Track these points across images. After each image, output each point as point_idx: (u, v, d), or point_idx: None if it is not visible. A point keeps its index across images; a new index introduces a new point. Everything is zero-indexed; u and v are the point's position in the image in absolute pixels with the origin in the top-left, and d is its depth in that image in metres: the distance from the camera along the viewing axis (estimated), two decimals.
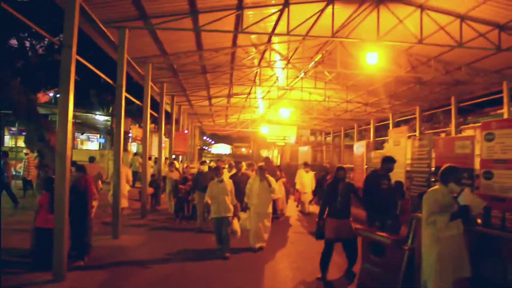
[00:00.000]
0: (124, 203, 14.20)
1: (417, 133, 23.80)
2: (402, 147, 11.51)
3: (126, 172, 15.20)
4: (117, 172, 11.03)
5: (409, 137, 14.32)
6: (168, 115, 27.07)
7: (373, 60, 12.87)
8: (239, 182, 11.24)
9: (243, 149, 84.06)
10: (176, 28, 12.04)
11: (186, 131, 39.77)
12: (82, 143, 39.11)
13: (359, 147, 14.31)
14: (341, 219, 8.01)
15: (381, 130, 32.20)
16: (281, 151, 33.38)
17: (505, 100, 16.66)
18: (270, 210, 10.70)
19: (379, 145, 24.08)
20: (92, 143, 39.92)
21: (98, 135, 38.60)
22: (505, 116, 16.37)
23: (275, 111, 30.30)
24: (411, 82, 19.71)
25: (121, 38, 11.33)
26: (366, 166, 13.93)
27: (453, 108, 20.14)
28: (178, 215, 14.41)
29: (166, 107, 24.37)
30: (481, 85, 17.94)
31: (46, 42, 27.39)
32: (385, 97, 23.03)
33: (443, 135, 27.49)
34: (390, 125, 27.17)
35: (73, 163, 9.62)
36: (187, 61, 16.32)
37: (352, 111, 27.50)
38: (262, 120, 35.80)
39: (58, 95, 45.10)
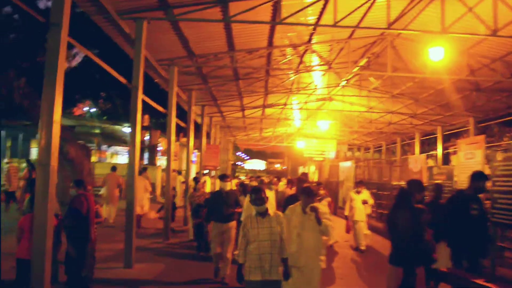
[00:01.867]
0: (139, 210, 14.63)
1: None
2: (477, 161, 9.39)
3: (144, 183, 15.88)
4: (131, 189, 9.24)
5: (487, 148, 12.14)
6: (199, 127, 25.51)
7: (438, 55, 10.92)
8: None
9: (277, 165, 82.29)
10: (202, 19, 10.31)
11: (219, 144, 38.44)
12: (111, 157, 37.92)
13: (416, 162, 12.17)
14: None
15: (425, 145, 29.82)
16: (318, 167, 31.35)
17: None
18: (320, 265, 6.32)
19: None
20: (122, 157, 38.70)
21: (128, 148, 37.33)
22: None
23: (313, 124, 28.39)
24: (466, 89, 17.51)
25: (138, 31, 9.67)
26: (426, 184, 11.76)
27: None
28: (198, 246, 11.51)
29: (196, 118, 22.78)
30: None
31: None
32: (434, 107, 20.86)
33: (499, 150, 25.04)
34: (439, 139, 24.88)
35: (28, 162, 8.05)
36: (218, 64, 14.58)
37: (396, 124, 25.31)
38: (298, 134, 33.96)
39: (92, 109, 44.64)
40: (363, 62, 16.35)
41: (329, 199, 12.32)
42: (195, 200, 11.79)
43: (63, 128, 18.71)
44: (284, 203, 8.22)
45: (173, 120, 13.45)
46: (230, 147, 42.69)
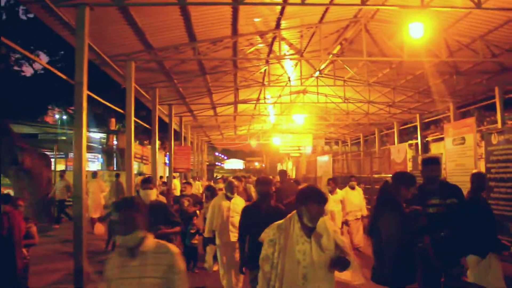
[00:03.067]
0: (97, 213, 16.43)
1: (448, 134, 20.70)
2: (468, 146, 8.37)
3: (99, 185, 17.43)
4: (78, 201, 7.99)
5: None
6: (167, 129, 24.27)
7: (418, 32, 9.95)
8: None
9: (256, 163, 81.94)
10: (153, 2, 9.17)
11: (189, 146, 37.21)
12: None
13: (399, 152, 11.09)
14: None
15: (403, 135, 29.02)
16: (296, 163, 30.38)
17: None
18: None
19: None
20: (93, 163, 37.17)
21: (100, 155, 35.85)
22: None
23: (288, 119, 27.41)
24: (446, 73, 16.65)
25: (80, 19, 8.42)
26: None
27: (497, 101, 16.89)
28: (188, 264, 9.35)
29: (165, 119, 21.56)
30: None
31: None
32: (413, 94, 20.01)
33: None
34: (418, 128, 24.09)
35: None
36: (180, 57, 13.40)
37: (374, 114, 24.42)
38: (274, 130, 32.97)
39: (64, 117, 42.85)
40: (336, 49, 15.35)
41: None
42: None
43: (18, 136, 17.47)
44: (242, 214, 6.15)
45: (132, 120, 12.24)
46: (204, 148, 41.52)
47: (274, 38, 13.57)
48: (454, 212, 5.16)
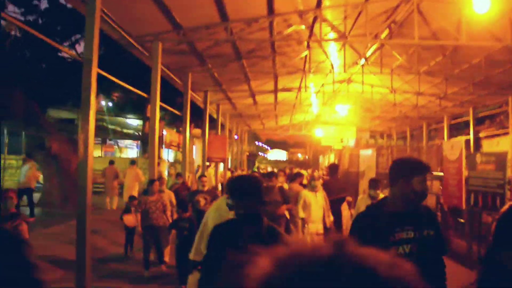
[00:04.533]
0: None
1: (509, 130, 18.95)
2: None
3: (136, 172, 17.77)
4: (82, 191, 7.07)
5: None
6: (212, 118, 23.42)
7: (483, 5, 8.59)
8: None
9: (299, 155, 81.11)
10: None
11: (236, 137, 36.35)
12: (121, 151, 36.11)
13: (452, 148, 9.72)
14: None
15: (452, 130, 27.11)
16: (338, 155, 29.03)
17: None
18: None
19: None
20: (132, 150, 36.90)
21: (138, 142, 35.52)
22: None
23: (331, 110, 26.05)
24: (507, 62, 15.01)
25: None
26: (466, 176, 9.33)
27: None
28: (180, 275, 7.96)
29: (202, 106, 20.69)
30: None
31: None
32: (467, 86, 18.34)
33: None
34: (471, 122, 22.35)
35: None
36: (212, 38, 12.38)
37: (423, 107, 22.81)
38: (317, 121, 31.65)
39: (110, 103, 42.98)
40: (384, 33, 13.96)
41: (349, 198, 10.10)
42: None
43: (46, 121, 16.98)
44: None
45: (157, 105, 11.32)
46: (245, 137, 40.63)
47: (315, 19, 12.32)
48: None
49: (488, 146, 22.20)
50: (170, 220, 8.64)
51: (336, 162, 28.52)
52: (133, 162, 18.61)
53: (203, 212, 7.73)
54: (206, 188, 8.30)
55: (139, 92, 13.19)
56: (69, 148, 16.49)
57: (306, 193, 8.08)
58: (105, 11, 9.72)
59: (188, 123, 15.25)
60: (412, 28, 12.82)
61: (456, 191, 9.36)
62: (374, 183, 7.10)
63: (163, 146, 24.00)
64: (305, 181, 11.82)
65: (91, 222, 6.93)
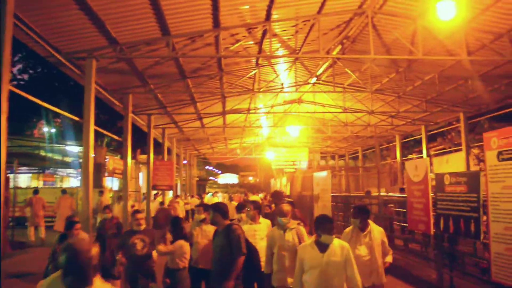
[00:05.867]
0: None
1: (463, 147, 18.67)
2: None
3: (70, 202, 16.20)
4: None
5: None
6: (158, 143, 22.12)
7: (448, 12, 7.96)
8: None
9: (250, 178, 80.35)
10: None
11: (184, 162, 35.00)
12: (62, 180, 34.03)
13: (417, 168, 8.87)
14: None
15: (403, 149, 26.83)
16: (290, 178, 28.20)
17: None
18: None
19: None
20: (75, 179, 34.85)
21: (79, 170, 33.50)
22: None
23: (282, 132, 25.32)
24: (459, 78, 14.71)
25: None
26: (433, 199, 8.49)
27: None
28: None
29: (143, 128, 19.42)
30: None
31: None
32: (420, 103, 18.00)
33: None
34: (423, 140, 22.06)
35: None
36: (153, 55, 11.33)
37: (375, 126, 22.39)
38: (268, 144, 30.85)
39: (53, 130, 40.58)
40: (336, 50, 13.31)
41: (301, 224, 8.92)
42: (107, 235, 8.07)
43: None
44: None
45: (90, 129, 10.10)
46: (194, 162, 39.38)
47: (264, 34, 11.48)
48: None
49: (438, 163, 21.95)
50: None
51: (288, 185, 27.69)
52: (64, 191, 17.13)
53: (141, 258, 6.39)
54: (142, 227, 6.59)
55: (71, 116, 11.90)
56: None
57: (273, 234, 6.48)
58: (26, 22, 8.53)
59: (129, 148, 14.02)
60: (365, 43, 12.27)
61: (423, 215, 8.58)
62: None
63: (106, 174, 22.42)
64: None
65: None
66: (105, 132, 15.57)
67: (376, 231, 5.84)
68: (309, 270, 4.74)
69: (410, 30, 11.28)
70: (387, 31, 11.56)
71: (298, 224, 6.09)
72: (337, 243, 4.82)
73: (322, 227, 4.73)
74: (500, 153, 6.40)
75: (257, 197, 19.23)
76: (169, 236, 6.79)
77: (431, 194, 8.53)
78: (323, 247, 4.72)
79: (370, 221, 5.91)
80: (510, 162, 6.20)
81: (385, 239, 5.93)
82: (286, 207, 5.94)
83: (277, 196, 9.46)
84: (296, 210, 9.80)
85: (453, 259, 8.68)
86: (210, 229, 6.92)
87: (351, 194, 16.88)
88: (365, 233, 5.77)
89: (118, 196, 21.15)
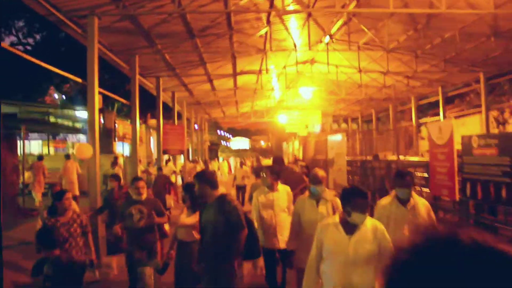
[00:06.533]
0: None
1: (482, 109, 17.97)
2: None
3: (76, 166, 15.64)
4: None
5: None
6: (167, 106, 21.64)
7: None
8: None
9: (262, 142, 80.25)
10: None
11: (196, 126, 34.60)
12: (73, 146, 33.78)
13: (441, 130, 8.26)
14: None
15: (418, 111, 26.08)
16: (303, 142, 27.71)
17: None
18: None
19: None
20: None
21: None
22: None
23: (294, 93, 24.63)
24: (481, 35, 13.91)
25: None
26: (460, 162, 7.85)
27: None
28: None
29: (152, 92, 18.92)
30: None
31: None
32: (438, 62, 17.21)
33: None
34: (440, 102, 21.33)
35: None
36: (158, 11, 10.71)
37: (390, 87, 21.63)
38: (280, 107, 30.22)
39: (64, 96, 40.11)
40: (352, 5, 12.53)
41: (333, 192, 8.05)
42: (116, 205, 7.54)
43: None
44: None
45: (95, 91, 9.60)
46: (205, 126, 38.95)
47: None
48: None
49: (454, 127, 21.27)
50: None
51: (301, 149, 27.23)
52: (68, 156, 16.50)
53: (138, 231, 5.93)
54: (143, 197, 6.06)
55: (75, 78, 11.41)
56: (2, 147, 14.50)
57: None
58: None
59: (137, 112, 13.58)
60: None
61: (447, 180, 8.04)
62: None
63: (116, 139, 22.07)
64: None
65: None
66: (111, 94, 15.09)
67: (421, 204, 4.77)
68: (329, 257, 3.74)
69: None
70: None
71: (335, 196, 5.19)
72: (369, 223, 3.79)
73: (353, 202, 3.69)
74: None
75: (270, 162, 18.77)
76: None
77: (456, 158, 7.99)
78: (350, 227, 3.72)
79: (413, 192, 4.84)
80: None
81: (433, 215, 4.87)
82: (321, 172, 5.25)
83: (278, 162, 8.89)
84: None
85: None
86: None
87: (368, 158, 16.27)
88: (408, 207, 4.67)
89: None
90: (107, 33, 11.50)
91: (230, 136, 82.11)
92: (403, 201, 4.67)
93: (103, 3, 9.79)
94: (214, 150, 57.43)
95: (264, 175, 6.41)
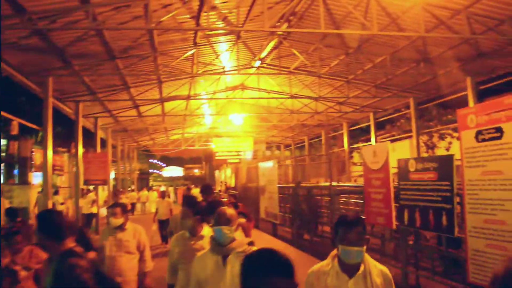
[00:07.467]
0: None
1: (413, 134, 18.02)
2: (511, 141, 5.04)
3: None
4: None
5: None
6: (91, 134, 20.27)
7: None
8: None
9: (196, 170, 78.91)
10: None
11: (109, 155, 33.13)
12: None
13: (375, 154, 7.75)
14: None
15: (350, 138, 26.14)
16: (235, 170, 27.01)
17: None
18: None
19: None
20: None
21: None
22: None
23: (226, 120, 24.02)
24: (411, 60, 13.91)
25: None
26: (396, 186, 7.43)
27: (470, 93, 14.26)
28: None
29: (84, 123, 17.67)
30: None
31: None
32: (369, 88, 17.15)
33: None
34: (371, 128, 21.32)
35: None
36: (72, 27, 9.74)
37: (322, 113, 21.42)
38: (211, 134, 29.50)
39: None
40: (283, 27, 12.09)
41: (243, 220, 7.13)
42: None
43: None
44: None
45: None
46: (133, 154, 37.48)
47: (201, 5, 10.12)
48: None
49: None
50: None
51: (233, 177, 26.49)
52: None
53: None
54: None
55: None
56: None
57: None
58: None
59: (50, 139, 12.33)
60: (314, 20, 11.24)
61: (383, 207, 7.53)
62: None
63: (33, 168, 20.43)
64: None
65: None
66: (15, 118, 13.72)
67: (378, 273, 3.09)
68: None
69: (363, 6, 10.24)
70: (338, 5, 10.49)
71: (250, 244, 3.62)
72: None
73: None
74: (479, 132, 5.36)
75: (197, 191, 17.79)
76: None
77: (392, 183, 7.49)
78: (349, 269, 3.01)
79: (365, 254, 3.07)
80: (492, 142, 5.17)
81: None
82: (229, 211, 3.75)
83: (206, 190, 8.03)
84: (240, 204, 8.54)
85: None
86: (128, 236, 5.56)
87: (302, 184, 15.73)
88: (355, 278, 3.03)
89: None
90: (14, 51, 10.37)
91: (164, 165, 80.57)
92: (348, 268, 3.02)
93: (5, 15, 8.70)
94: (145, 179, 55.84)
95: (184, 214, 4.96)
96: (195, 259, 3.83)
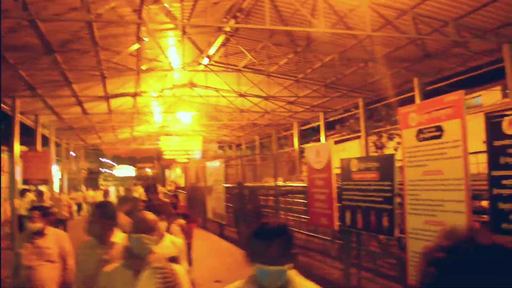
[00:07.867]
0: None
1: (362, 134, 18.10)
2: (452, 139, 4.78)
3: None
4: None
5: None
6: (31, 132, 19.37)
7: None
8: None
9: (148, 170, 77.65)
10: None
11: (72, 153, 32.08)
12: None
13: (319, 154, 7.58)
14: None
15: (300, 137, 26.19)
16: (184, 169, 26.53)
17: (509, 69, 11.08)
18: None
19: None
20: None
21: None
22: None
23: (175, 119, 23.52)
24: (359, 60, 13.90)
25: None
26: (339, 186, 7.29)
27: (417, 94, 14.40)
28: None
29: (24, 120, 16.86)
30: (463, 55, 12.41)
31: None
32: (319, 88, 17.10)
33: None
34: (321, 127, 21.33)
35: None
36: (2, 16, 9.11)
37: (272, 113, 21.27)
38: (161, 132, 28.87)
39: None
40: (230, 24, 11.82)
41: (182, 222, 6.76)
42: None
43: None
44: None
45: None
46: (81, 153, 36.37)
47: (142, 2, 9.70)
48: None
49: (335, 152, 21.38)
50: None
51: (183, 176, 26.01)
52: None
53: None
54: None
55: None
56: None
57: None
58: None
59: None
60: (261, 17, 10.99)
61: (326, 208, 7.37)
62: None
63: None
64: None
65: None
66: None
67: None
68: None
69: (310, 3, 10.10)
70: (285, 2, 10.32)
71: (172, 260, 3.16)
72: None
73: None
74: (420, 131, 5.23)
75: (141, 190, 17.24)
76: None
77: (335, 183, 7.34)
78: None
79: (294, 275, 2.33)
80: (433, 141, 5.04)
81: None
82: (151, 216, 3.19)
83: (151, 189, 7.66)
84: (182, 205, 8.21)
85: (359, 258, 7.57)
86: (48, 243, 5.09)
87: (247, 184, 15.49)
88: None
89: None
90: None
91: (116, 164, 79.08)
92: None
93: None
94: (94, 178, 54.46)
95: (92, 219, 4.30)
96: (101, 274, 3.16)
